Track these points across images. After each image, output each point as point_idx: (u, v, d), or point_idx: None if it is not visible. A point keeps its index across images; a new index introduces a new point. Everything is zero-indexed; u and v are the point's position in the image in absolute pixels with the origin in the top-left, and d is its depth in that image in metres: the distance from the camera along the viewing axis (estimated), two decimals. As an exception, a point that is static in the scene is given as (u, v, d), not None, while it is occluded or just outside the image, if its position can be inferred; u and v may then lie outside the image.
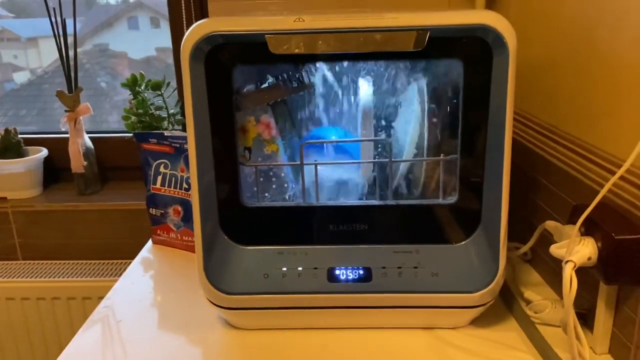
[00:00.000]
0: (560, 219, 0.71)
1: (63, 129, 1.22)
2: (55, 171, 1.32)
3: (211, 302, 0.69)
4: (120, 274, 0.88)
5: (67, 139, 1.22)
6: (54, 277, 1.17)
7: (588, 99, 0.66)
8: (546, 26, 0.77)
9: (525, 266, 0.83)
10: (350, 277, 0.67)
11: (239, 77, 0.68)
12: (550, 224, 0.68)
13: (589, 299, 0.64)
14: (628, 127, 0.58)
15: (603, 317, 0.61)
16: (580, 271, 0.57)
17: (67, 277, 1.17)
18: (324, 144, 0.74)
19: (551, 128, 0.76)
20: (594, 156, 0.65)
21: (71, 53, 1.20)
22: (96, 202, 1.22)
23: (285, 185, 0.75)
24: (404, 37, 0.60)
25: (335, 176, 0.75)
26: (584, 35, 0.66)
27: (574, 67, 0.69)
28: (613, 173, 0.56)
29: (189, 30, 0.61)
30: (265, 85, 0.72)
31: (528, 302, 0.73)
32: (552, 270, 0.77)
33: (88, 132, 1.25)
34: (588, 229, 0.59)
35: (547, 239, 0.72)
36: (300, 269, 0.68)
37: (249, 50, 0.64)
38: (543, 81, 0.79)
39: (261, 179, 0.73)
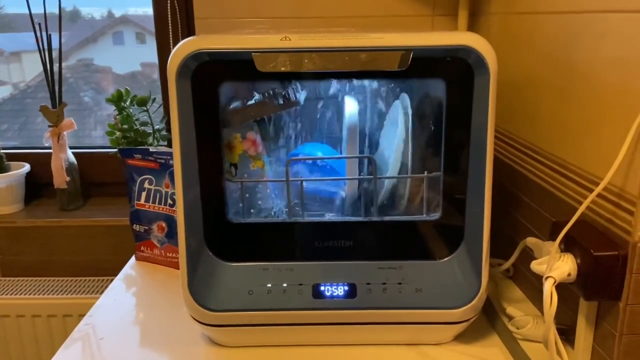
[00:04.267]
0: (541, 235, 0.73)
1: (46, 144, 1.21)
2: (37, 186, 1.30)
3: (195, 319, 0.68)
4: (102, 291, 0.87)
5: (49, 154, 1.20)
6: (35, 294, 1.15)
7: (567, 119, 0.68)
8: (527, 48, 0.80)
9: (507, 282, 0.84)
10: (335, 294, 0.67)
11: (226, 94, 0.68)
12: (531, 241, 0.69)
13: (570, 314, 0.66)
14: (606, 145, 0.60)
15: (583, 332, 0.62)
16: (561, 287, 0.58)
17: (48, 294, 1.15)
18: (310, 161, 0.75)
19: (532, 146, 0.77)
20: (572, 174, 0.66)
21: (55, 68, 1.20)
22: (78, 218, 1.21)
23: (271, 201, 0.75)
24: (388, 57, 0.62)
25: (321, 193, 0.75)
26: (564, 57, 0.68)
27: (553, 87, 0.71)
28: (591, 190, 0.57)
29: (175, 48, 0.62)
30: (252, 102, 0.73)
31: (510, 318, 0.74)
32: (533, 287, 0.78)
33: (71, 147, 1.25)
34: (568, 246, 0.60)
35: (529, 255, 0.73)
36: (285, 285, 0.68)
37: (236, 67, 0.65)
38: (524, 101, 0.81)
39: (247, 195, 0.73)
